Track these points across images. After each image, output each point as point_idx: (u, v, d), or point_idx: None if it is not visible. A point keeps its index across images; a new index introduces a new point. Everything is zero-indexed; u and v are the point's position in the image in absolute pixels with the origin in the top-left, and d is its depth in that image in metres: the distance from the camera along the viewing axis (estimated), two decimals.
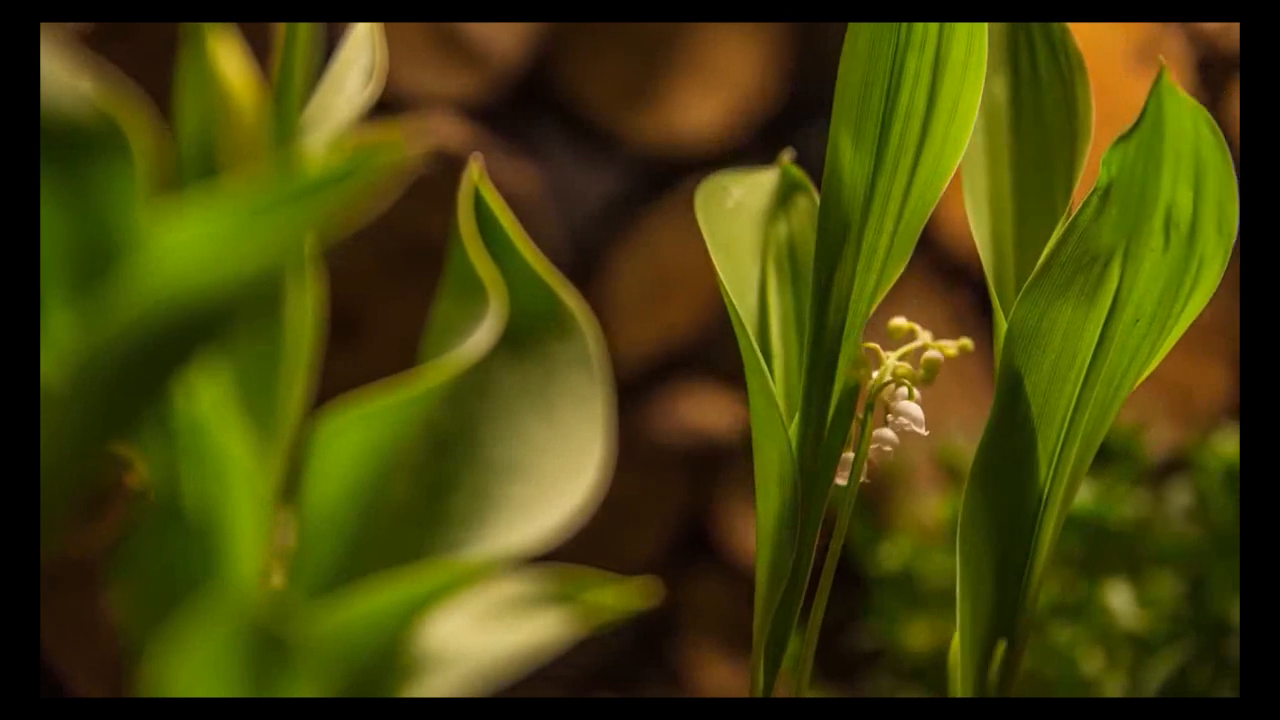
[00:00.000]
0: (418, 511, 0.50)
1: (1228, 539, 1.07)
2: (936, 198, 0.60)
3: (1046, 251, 0.61)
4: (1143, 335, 0.60)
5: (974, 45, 0.59)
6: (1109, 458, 1.15)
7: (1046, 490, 0.61)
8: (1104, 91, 1.41)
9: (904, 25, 0.59)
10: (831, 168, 0.60)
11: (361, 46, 0.55)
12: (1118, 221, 0.59)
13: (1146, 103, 0.57)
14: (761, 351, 0.63)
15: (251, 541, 0.42)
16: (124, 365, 0.40)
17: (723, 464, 1.39)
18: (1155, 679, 1.04)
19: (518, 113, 1.34)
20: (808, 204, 0.67)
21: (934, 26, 0.59)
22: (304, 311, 0.49)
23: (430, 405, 0.49)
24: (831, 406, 0.62)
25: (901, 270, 0.61)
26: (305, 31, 0.54)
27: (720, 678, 1.39)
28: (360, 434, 0.48)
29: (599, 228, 1.36)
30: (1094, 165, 0.62)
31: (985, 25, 0.59)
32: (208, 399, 0.42)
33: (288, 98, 0.53)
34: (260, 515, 0.43)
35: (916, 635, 1.10)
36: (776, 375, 0.65)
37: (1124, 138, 0.58)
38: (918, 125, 0.60)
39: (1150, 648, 1.05)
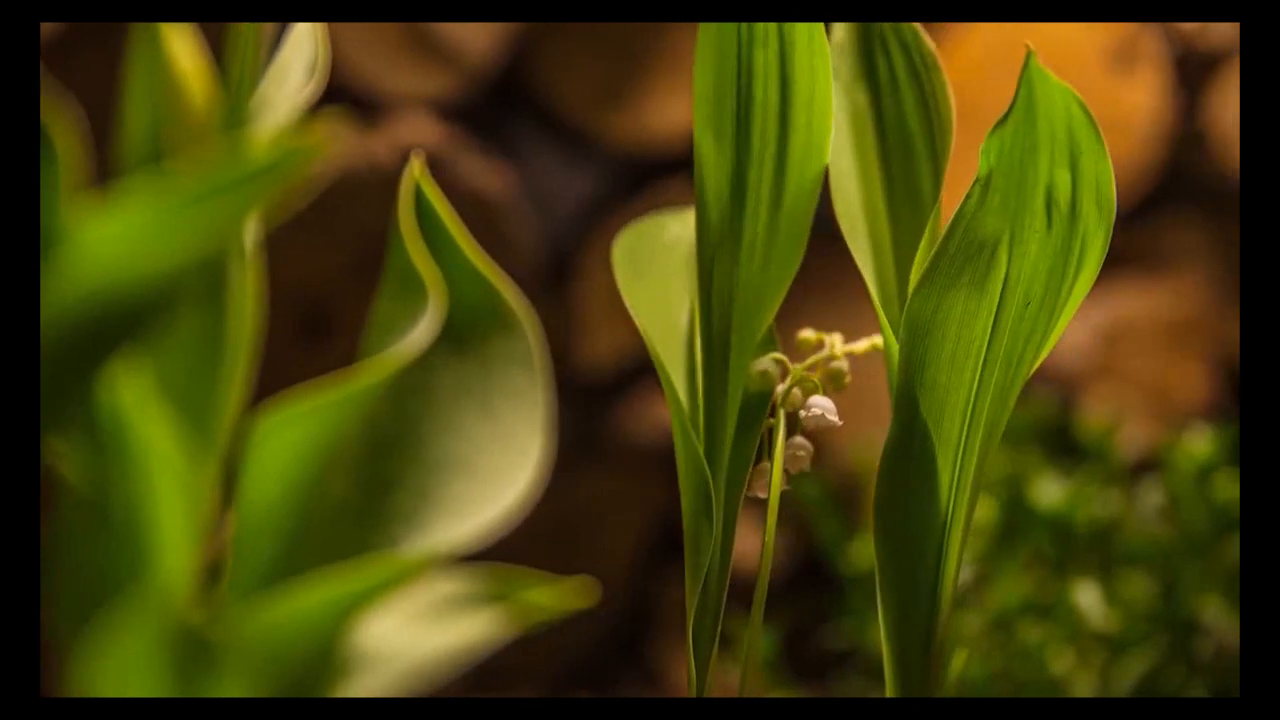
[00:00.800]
0: (358, 509, 0.50)
1: (1199, 539, 1.07)
2: (812, 189, 0.62)
3: (924, 246, 0.63)
4: (1035, 317, 0.61)
5: (815, 36, 0.61)
6: (1082, 457, 1.15)
7: (956, 475, 0.62)
8: (1080, 92, 1.41)
9: (747, 23, 0.61)
10: (698, 169, 0.62)
11: (304, 43, 0.55)
12: (1000, 208, 0.60)
13: (1017, 89, 0.58)
14: (690, 383, 0.64)
15: (178, 539, 0.42)
16: (48, 360, 0.39)
17: None
18: (1126, 679, 1.04)
19: (493, 113, 1.34)
20: None
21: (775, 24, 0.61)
22: (244, 306, 0.49)
23: (369, 402, 0.49)
24: (729, 413, 0.64)
25: (793, 268, 0.62)
26: (253, 27, 0.54)
27: (736, 677, 1.39)
28: (299, 431, 0.47)
29: (575, 228, 1.36)
30: (963, 159, 0.63)
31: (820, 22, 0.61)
32: (133, 394, 0.42)
33: (237, 93, 0.53)
34: (190, 512, 0.43)
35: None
36: (699, 400, 0.66)
37: (999, 125, 0.59)
38: (775, 118, 0.62)
39: (1121, 647, 1.05)
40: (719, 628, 0.65)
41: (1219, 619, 1.06)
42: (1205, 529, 1.07)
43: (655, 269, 0.67)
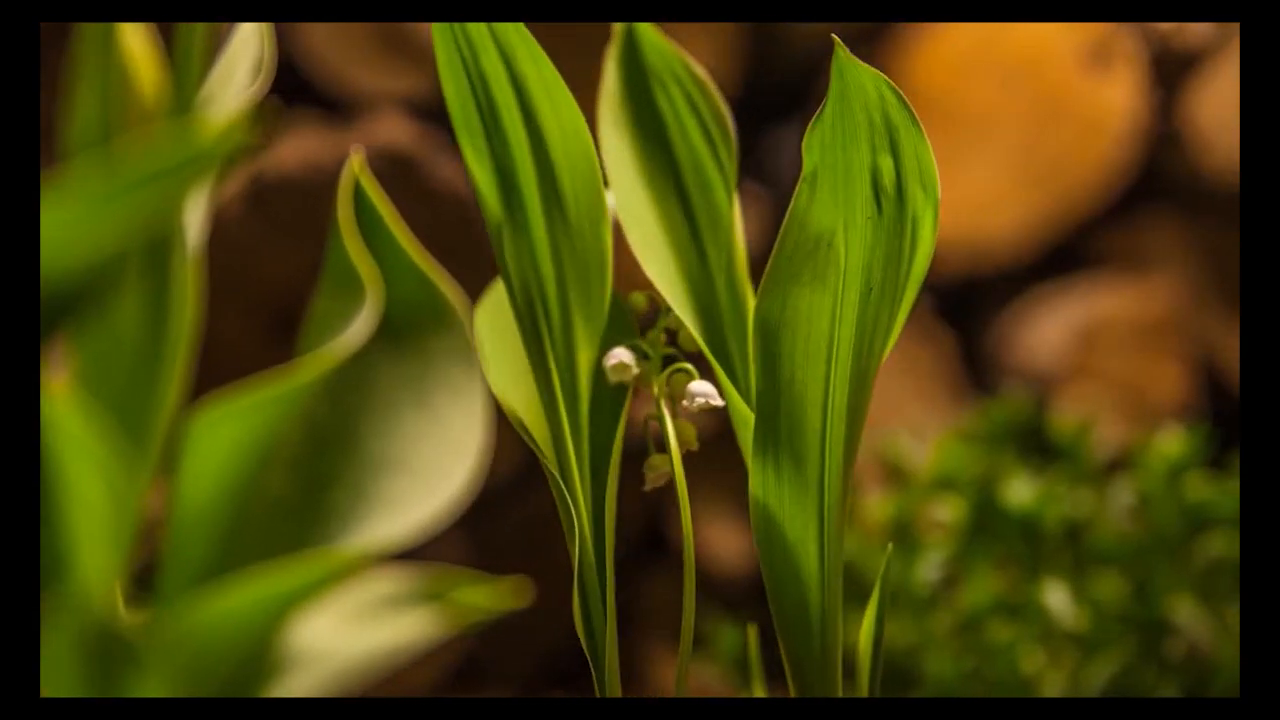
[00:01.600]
0: (295, 506, 0.49)
1: (1170, 539, 1.07)
2: (591, 186, 0.63)
3: (725, 254, 0.66)
4: (879, 303, 0.62)
5: (520, 31, 0.63)
6: (1055, 456, 1.15)
7: (825, 466, 0.63)
8: (1057, 91, 1.41)
9: (464, 26, 0.63)
10: (470, 177, 0.64)
11: (250, 41, 0.55)
12: (830, 201, 0.61)
13: (830, 82, 0.59)
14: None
15: (100, 538, 0.42)
16: None
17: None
18: (1096, 679, 1.04)
19: None
20: None
21: (482, 26, 0.62)
22: (185, 301, 0.49)
23: (307, 399, 0.49)
24: (582, 408, 0.65)
25: (606, 272, 0.64)
26: (203, 25, 0.54)
27: (711, 676, 1.39)
28: (234, 428, 0.47)
29: None
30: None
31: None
32: (58, 387, 0.41)
33: (183, 88, 0.52)
34: (117, 511, 0.43)
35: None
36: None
37: (817, 120, 0.60)
38: (518, 115, 0.63)
39: (1092, 648, 1.05)
40: (610, 626, 0.65)
41: (1190, 619, 1.06)
42: (1176, 529, 1.07)
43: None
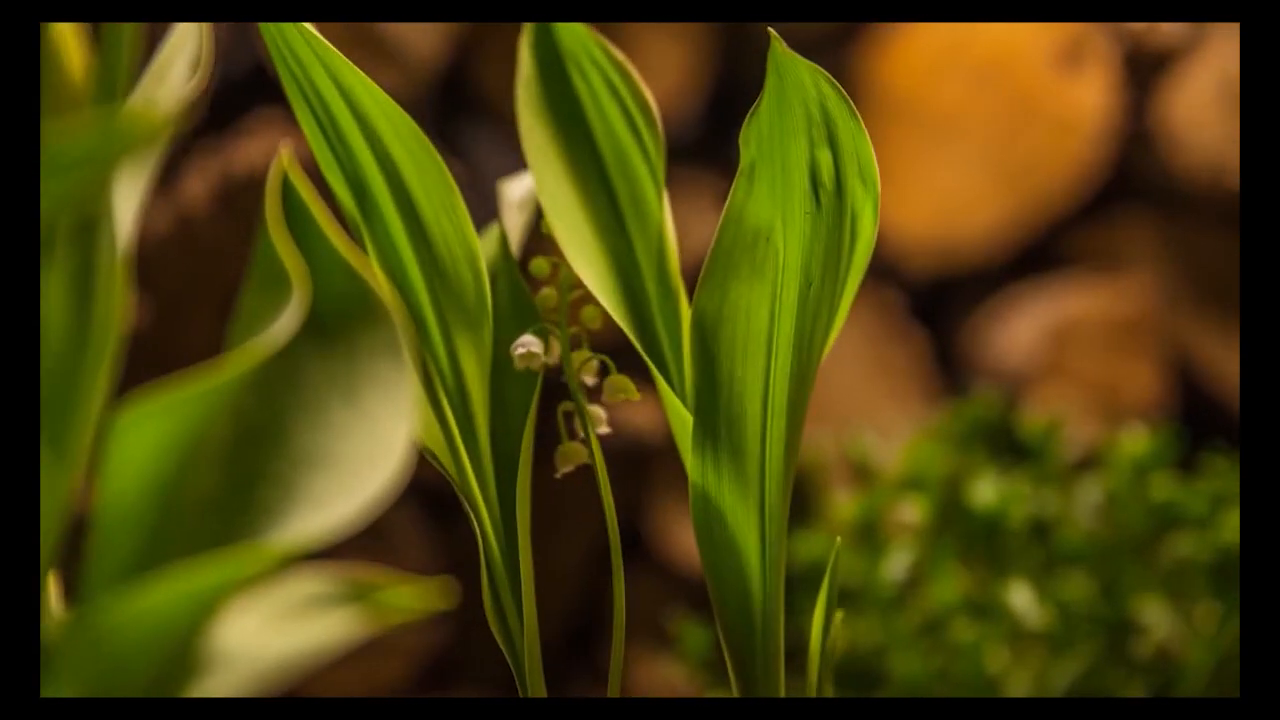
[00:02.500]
0: (222, 503, 0.49)
1: (1136, 538, 1.07)
2: (440, 182, 0.62)
3: (655, 248, 0.65)
4: (819, 298, 0.62)
5: (304, 30, 0.63)
6: (1025, 456, 1.15)
7: (764, 463, 0.63)
8: (1029, 91, 1.41)
9: (262, 26, 0.62)
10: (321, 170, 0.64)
11: (188, 38, 0.55)
12: (768, 195, 0.60)
13: (767, 76, 0.59)
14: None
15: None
16: None
17: (653, 464, 1.38)
18: (1062, 679, 1.04)
19: (438, 111, 1.33)
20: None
21: (273, 25, 0.62)
22: (109, 296, 0.49)
23: (233, 395, 0.49)
24: (476, 410, 0.64)
25: (479, 266, 0.64)
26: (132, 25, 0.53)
27: (652, 677, 1.39)
28: (159, 425, 0.47)
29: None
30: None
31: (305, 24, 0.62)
32: None
33: (109, 84, 0.52)
34: (46, 508, 0.43)
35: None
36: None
37: (754, 114, 0.59)
38: (344, 109, 0.64)
39: (1058, 647, 1.05)
40: (529, 627, 0.65)
41: (1157, 619, 1.06)
42: (1142, 528, 1.07)
43: None
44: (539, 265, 0.65)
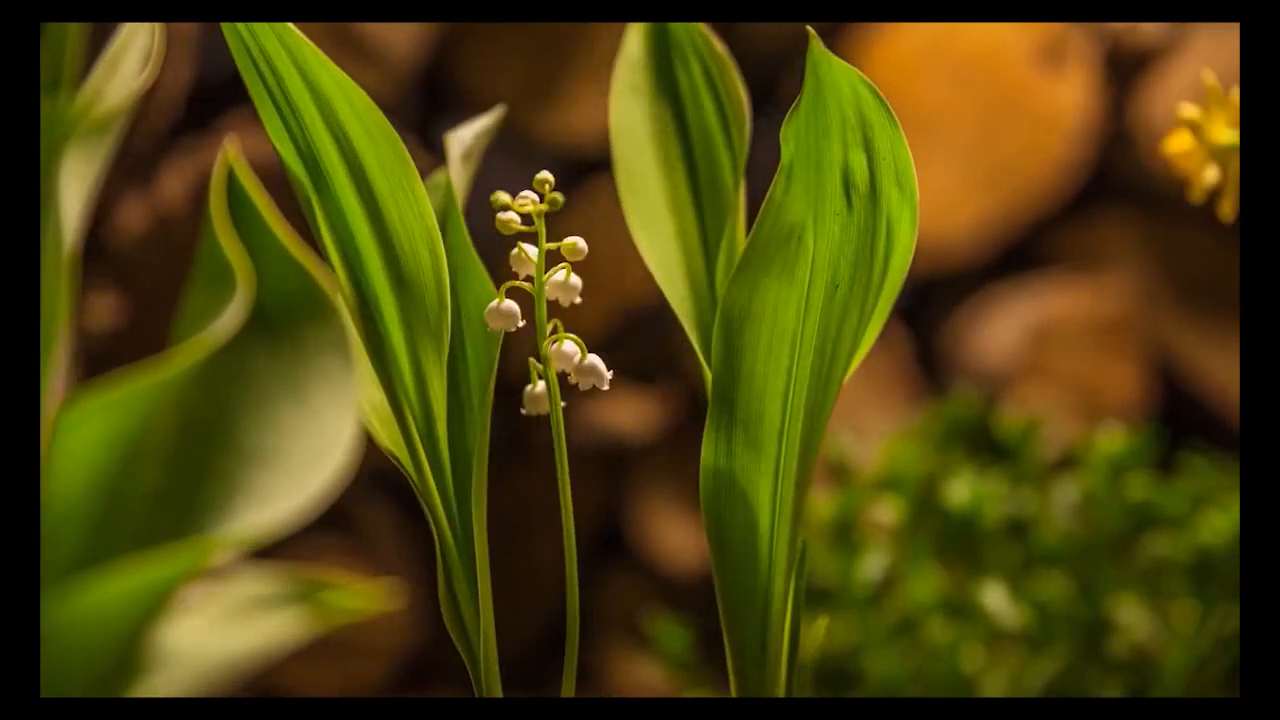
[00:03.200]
0: (168, 500, 0.49)
1: (1113, 538, 1.07)
2: (397, 157, 0.63)
3: (726, 236, 0.64)
4: (846, 301, 0.61)
5: (282, 32, 0.64)
6: (1003, 454, 1.14)
7: (780, 464, 0.63)
8: (1009, 90, 1.41)
9: (238, 26, 0.63)
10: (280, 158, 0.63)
11: (140, 31, 0.55)
12: (803, 194, 0.60)
13: (805, 75, 0.59)
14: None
15: None
16: None
17: (635, 464, 1.38)
18: (1037, 679, 1.04)
19: (417, 111, 1.33)
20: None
21: (242, 26, 0.63)
22: (54, 292, 0.49)
23: (178, 391, 0.48)
24: (435, 409, 0.64)
25: (437, 249, 0.63)
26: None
27: (633, 677, 1.39)
28: (104, 421, 0.47)
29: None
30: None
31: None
32: None
33: (54, 76, 0.52)
34: None
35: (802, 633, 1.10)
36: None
37: (793, 112, 0.59)
38: (297, 80, 0.64)
39: (1035, 647, 1.05)
40: (485, 624, 0.64)
41: (1134, 618, 1.06)
42: (1119, 528, 1.07)
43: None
44: (497, 198, 0.64)
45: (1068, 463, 1.16)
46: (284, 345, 0.50)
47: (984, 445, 1.18)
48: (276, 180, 1.25)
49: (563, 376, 0.64)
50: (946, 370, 1.40)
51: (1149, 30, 1.39)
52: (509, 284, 0.63)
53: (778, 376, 0.61)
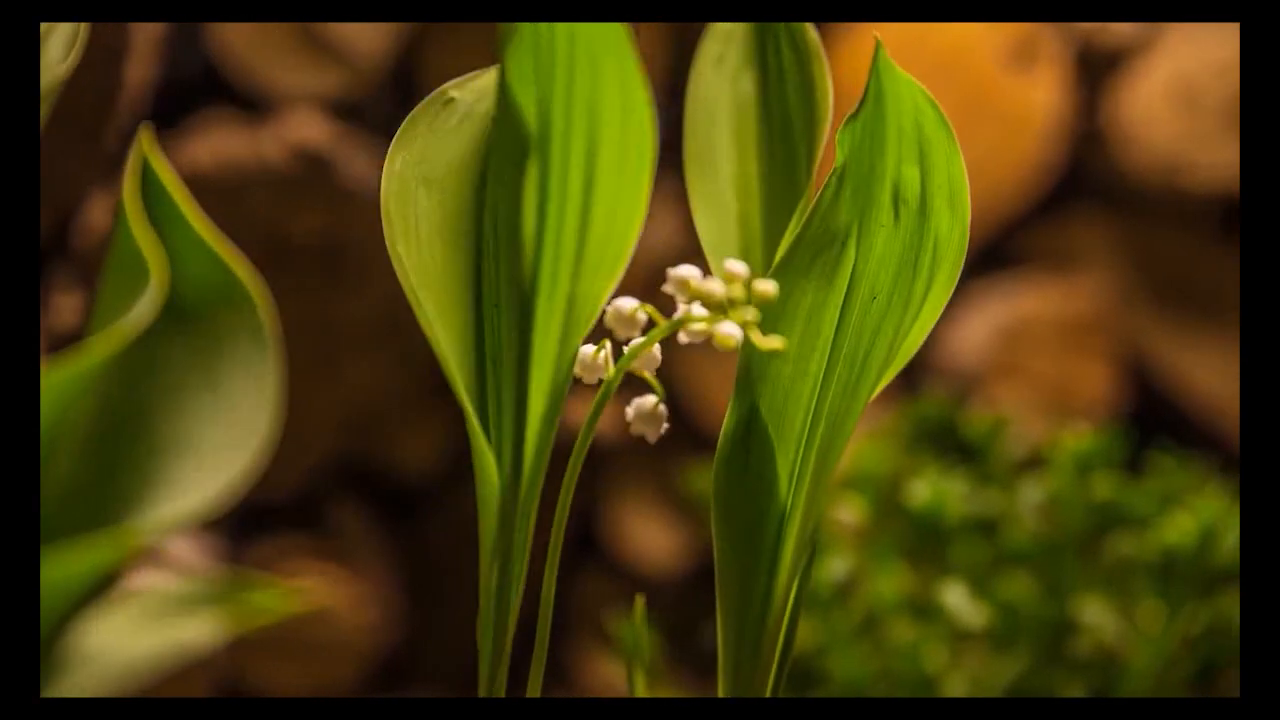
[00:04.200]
0: (85, 491, 0.49)
1: (1078, 537, 1.07)
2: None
3: (792, 233, 0.61)
4: (882, 313, 0.60)
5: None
6: (968, 454, 1.14)
7: (796, 468, 0.61)
8: (980, 89, 1.41)
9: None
10: (502, 110, 0.57)
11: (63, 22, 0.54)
12: (851, 200, 0.59)
13: (868, 82, 0.58)
14: (476, 306, 0.60)
15: None
16: None
17: (607, 463, 1.38)
18: (1000, 678, 1.04)
19: (386, 110, 1.33)
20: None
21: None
22: None
23: (94, 382, 0.48)
24: (531, 423, 0.61)
25: (633, 231, 0.57)
26: None
27: (606, 676, 1.39)
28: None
29: None
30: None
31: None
32: None
33: None
34: None
35: None
36: (490, 335, 0.61)
37: (852, 117, 0.58)
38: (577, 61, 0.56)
39: (1001, 646, 1.05)
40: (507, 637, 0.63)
41: (1098, 618, 1.05)
42: (1084, 527, 1.07)
43: (439, 162, 0.60)
44: (704, 292, 0.58)
45: (1036, 462, 1.16)
46: (201, 335, 0.50)
47: (952, 445, 1.17)
48: (241, 178, 1.25)
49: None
50: (918, 369, 1.40)
51: (1120, 29, 1.39)
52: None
53: (805, 380, 0.60)
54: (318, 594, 0.44)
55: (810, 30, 0.65)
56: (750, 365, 0.60)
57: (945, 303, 0.60)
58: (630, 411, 0.62)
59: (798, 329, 0.60)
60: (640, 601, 0.67)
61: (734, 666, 0.63)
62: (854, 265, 0.59)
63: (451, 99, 0.62)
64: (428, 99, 0.62)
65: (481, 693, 0.63)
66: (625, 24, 0.55)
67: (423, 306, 0.58)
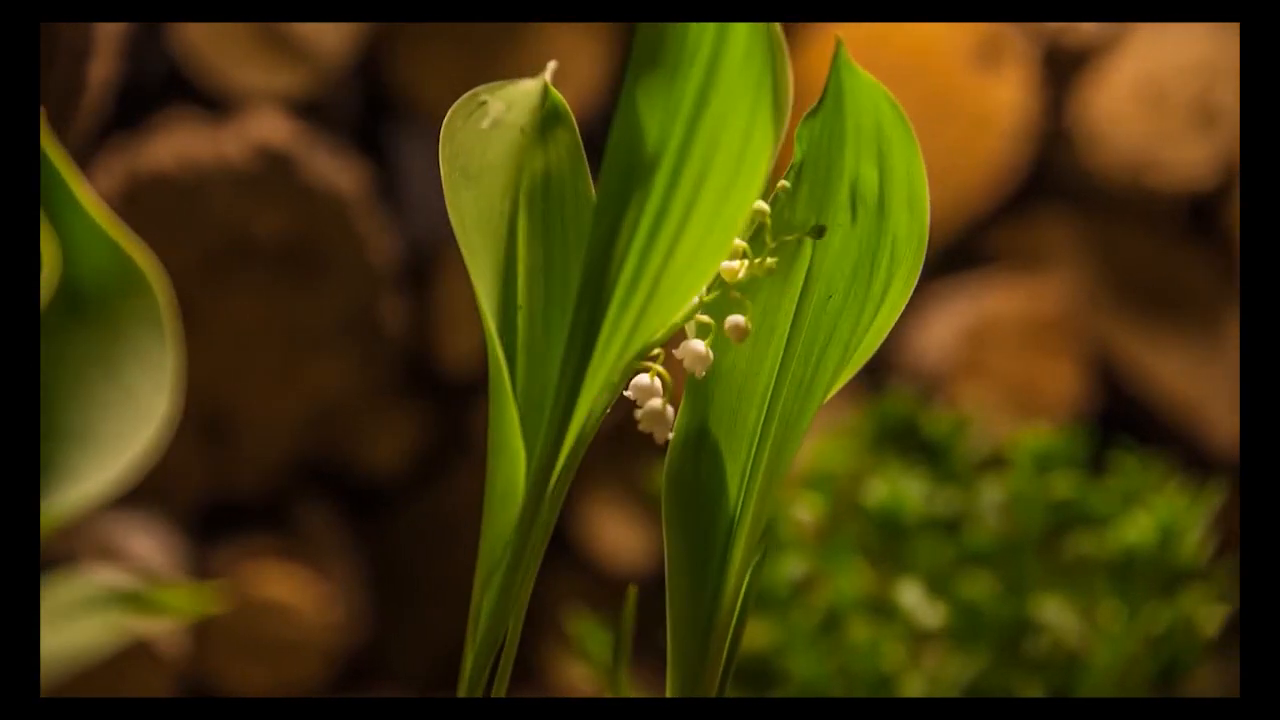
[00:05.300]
0: None
1: (1037, 535, 1.06)
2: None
3: (751, 229, 0.61)
4: (838, 313, 0.60)
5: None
6: (932, 453, 1.14)
7: (749, 465, 0.61)
8: (946, 89, 1.41)
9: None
10: (623, 119, 0.55)
11: None
12: (808, 198, 0.59)
13: (828, 80, 0.57)
14: (504, 304, 0.60)
15: None
16: None
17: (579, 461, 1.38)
18: (959, 677, 1.03)
19: (348, 110, 1.33)
20: (568, 138, 0.63)
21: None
22: None
23: None
24: (570, 436, 0.59)
25: (720, 258, 0.57)
26: None
27: (577, 677, 1.38)
28: None
29: (437, 226, 1.35)
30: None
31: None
32: None
33: None
34: None
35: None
36: (520, 333, 0.62)
37: (811, 114, 0.58)
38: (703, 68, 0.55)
39: (961, 645, 1.04)
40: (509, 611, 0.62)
41: (1056, 618, 1.05)
42: (1043, 526, 1.07)
43: (472, 164, 0.60)
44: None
45: (999, 462, 1.15)
46: (98, 324, 0.49)
47: (915, 444, 1.17)
48: (203, 177, 1.25)
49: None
50: (883, 368, 1.40)
51: (1086, 29, 1.39)
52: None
53: (758, 378, 0.60)
54: (214, 600, 0.43)
55: (775, 28, 0.65)
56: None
57: (903, 304, 0.60)
58: (639, 413, 0.61)
59: (753, 324, 0.60)
60: (632, 593, 0.66)
61: (682, 666, 0.63)
62: (810, 264, 0.59)
63: (484, 101, 0.62)
64: (464, 97, 0.61)
65: (462, 693, 0.62)
66: (767, 38, 0.54)
67: (476, 289, 0.58)
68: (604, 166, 0.57)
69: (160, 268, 0.49)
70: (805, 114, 0.58)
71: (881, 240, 0.59)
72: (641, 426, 0.60)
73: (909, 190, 0.58)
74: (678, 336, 0.60)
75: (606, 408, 0.60)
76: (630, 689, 0.70)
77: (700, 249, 0.56)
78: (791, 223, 0.59)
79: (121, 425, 0.48)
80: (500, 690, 0.64)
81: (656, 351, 0.59)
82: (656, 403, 0.60)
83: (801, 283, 0.59)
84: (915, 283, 0.59)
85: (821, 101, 0.58)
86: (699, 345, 0.60)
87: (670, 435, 0.60)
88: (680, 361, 0.60)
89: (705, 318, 0.60)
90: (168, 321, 0.49)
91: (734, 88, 0.55)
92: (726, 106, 0.55)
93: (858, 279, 0.59)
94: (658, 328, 0.58)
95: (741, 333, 0.59)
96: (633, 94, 0.55)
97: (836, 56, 0.57)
